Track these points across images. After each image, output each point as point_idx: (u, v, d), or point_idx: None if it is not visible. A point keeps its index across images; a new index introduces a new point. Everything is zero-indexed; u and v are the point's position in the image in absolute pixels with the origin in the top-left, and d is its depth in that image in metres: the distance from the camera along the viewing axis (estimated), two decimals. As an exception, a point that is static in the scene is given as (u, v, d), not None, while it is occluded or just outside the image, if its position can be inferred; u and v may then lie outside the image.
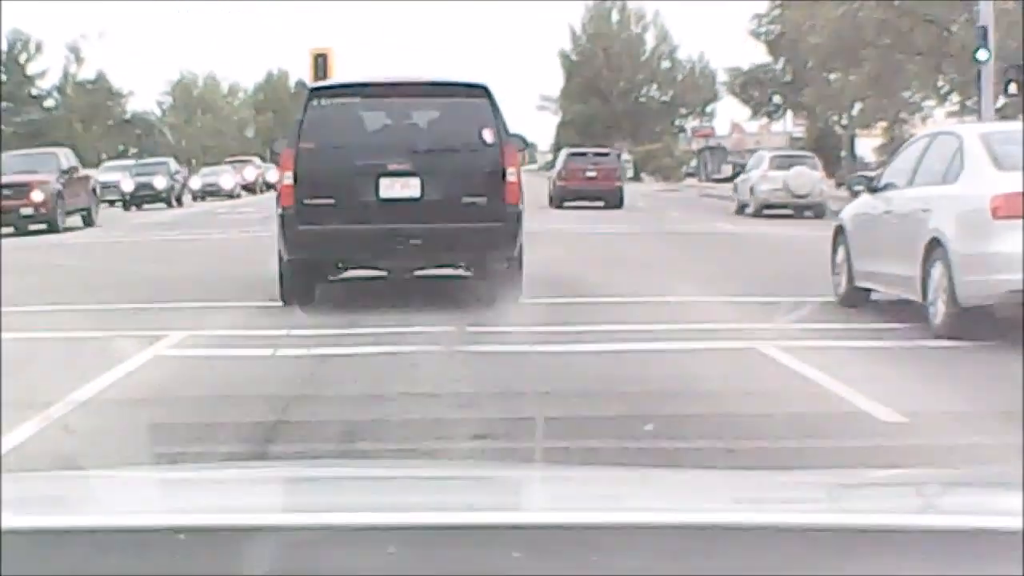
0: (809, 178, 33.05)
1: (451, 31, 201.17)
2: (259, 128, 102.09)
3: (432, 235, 12.20)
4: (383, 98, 12.98)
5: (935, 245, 10.20)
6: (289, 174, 12.34)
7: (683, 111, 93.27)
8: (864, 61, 39.59)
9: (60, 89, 73.18)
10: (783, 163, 33.93)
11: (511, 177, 12.30)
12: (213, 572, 1.61)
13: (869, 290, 11.91)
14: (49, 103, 71.31)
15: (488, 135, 12.32)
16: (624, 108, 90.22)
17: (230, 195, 54.78)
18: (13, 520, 1.69)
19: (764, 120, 71.72)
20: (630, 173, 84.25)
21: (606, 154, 41.27)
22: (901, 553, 1.63)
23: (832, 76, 49.38)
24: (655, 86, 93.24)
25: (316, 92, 13.19)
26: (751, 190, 33.90)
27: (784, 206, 32.54)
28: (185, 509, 2.08)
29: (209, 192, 54.81)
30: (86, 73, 75.34)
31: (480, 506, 2.04)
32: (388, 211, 12.19)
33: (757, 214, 32.84)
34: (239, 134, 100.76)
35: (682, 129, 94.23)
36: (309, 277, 12.60)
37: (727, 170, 63.03)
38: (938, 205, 10.44)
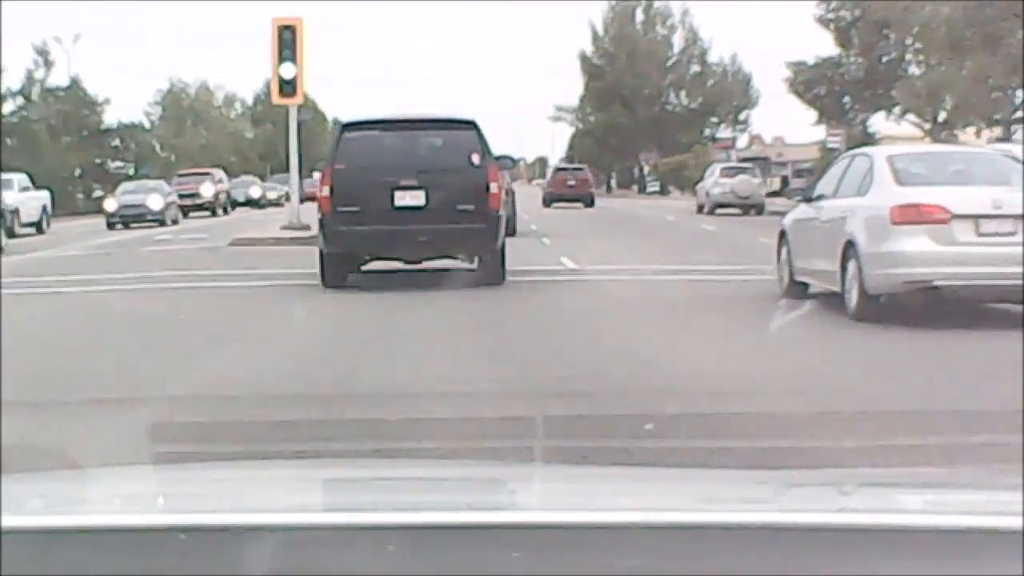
0: (750, 184, 43.77)
1: (466, 30, 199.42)
2: (256, 142, 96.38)
3: (434, 234, 15.75)
4: (397, 131, 16.69)
5: (850, 246, 12.23)
6: (327, 188, 16.10)
7: (714, 119, 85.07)
8: (1003, 39, 33.44)
9: (23, 94, 63.86)
10: (731, 172, 44.89)
11: (494, 190, 15.92)
12: (213, 572, 1.61)
13: (806, 284, 13.87)
14: (8, 107, 61.57)
15: (476, 158, 15.95)
16: (649, 116, 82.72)
17: (161, 220, 40.47)
18: (13, 520, 1.69)
19: (830, 124, 59.52)
20: (655, 187, 76.41)
21: (581, 169, 55.48)
22: (901, 553, 1.63)
23: (916, 70, 42.74)
24: (683, 92, 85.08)
25: (347, 126, 16.97)
26: (707, 194, 44.04)
27: (732, 205, 42.40)
28: (185, 509, 2.08)
29: (132, 216, 40.07)
30: (58, 79, 67.13)
31: (480, 506, 2.04)
32: (400, 216, 15.73)
33: (711, 212, 42.04)
34: (234, 147, 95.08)
35: (713, 138, 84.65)
36: (342, 266, 16.24)
37: (774, 183, 58.12)
38: (852, 213, 12.52)
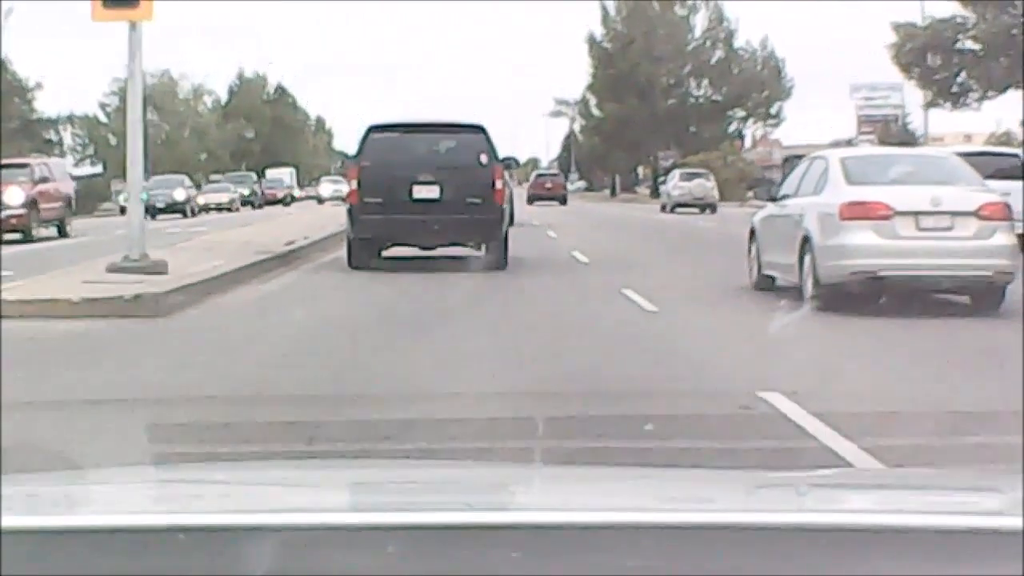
0: (705, 186, 51.12)
1: (456, 27, 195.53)
2: (227, 137, 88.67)
3: (447, 224, 18.10)
4: (416, 133, 19.16)
5: (806, 240, 13.46)
6: (355, 182, 18.52)
7: (741, 113, 75.23)
8: None
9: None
10: (688, 177, 52.71)
11: (498, 186, 18.48)
12: (213, 572, 1.61)
13: (773, 277, 14.99)
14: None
15: (483, 158, 18.41)
16: (667, 108, 73.39)
17: None
18: (13, 520, 1.69)
19: (940, 106, 44.97)
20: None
21: (556, 175, 71.59)
22: (901, 553, 1.63)
23: None
24: (705, 81, 74.98)
25: (372, 129, 19.01)
26: (668, 195, 51.74)
27: (690, 205, 49.39)
28: (185, 509, 2.08)
29: None
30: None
31: (480, 506, 2.04)
32: (418, 207, 18.09)
33: (672, 210, 49.06)
34: (201, 143, 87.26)
35: (740, 134, 75.34)
36: (368, 250, 18.63)
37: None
38: (809, 210, 13.75)
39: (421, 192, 18.20)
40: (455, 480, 2.54)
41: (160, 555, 1.63)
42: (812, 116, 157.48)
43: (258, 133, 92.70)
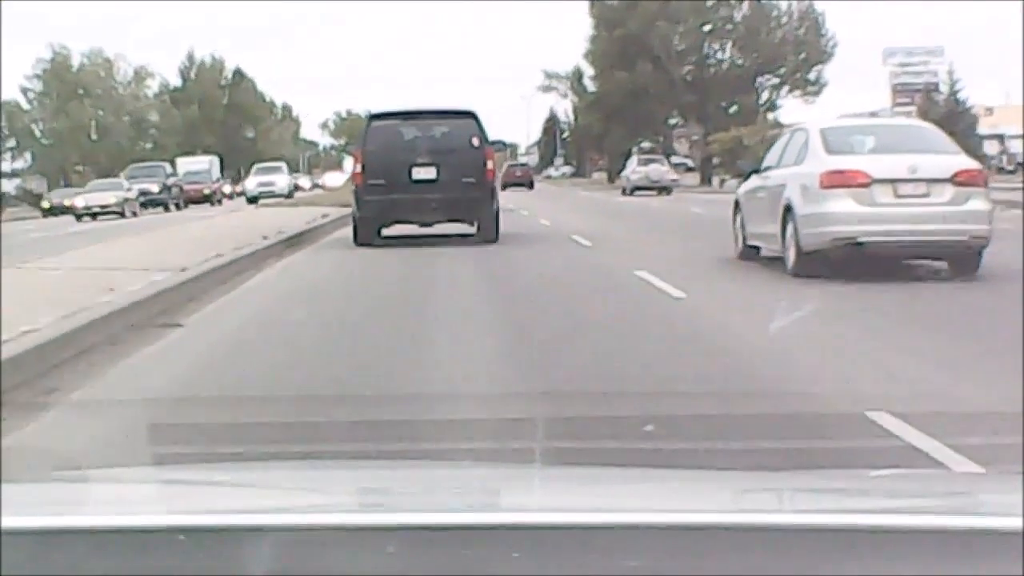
0: (660, 171, 55.33)
1: (431, 16, 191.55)
2: (174, 125, 78.75)
3: (444, 201, 20.23)
4: (413, 120, 21.21)
5: (788, 209, 14.04)
6: (359, 165, 20.77)
7: (774, 80, 62.35)
8: None
9: None
10: (645, 161, 57.64)
11: (490, 166, 20.61)
12: (213, 572, 1.61)
13: (758, 247, 15.62)
14: None
15: (475, 141, 20.49)
16: (685, 76, 62.49)
17: None
18: (13, 520, 1.69)
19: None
20: (694, 180, 58.50)
21: (525, 165, 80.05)
22: (901, 553, 1.63)
23: None
24: (729, 44, 63.06)
25: (374, 117, 21.46)
26: (627, 179, 56.08)
27: (647, 188, 53.56)
28: (185, 509, 2.07)
29: None
30: None
31: (480, 506, 2.04)
32: (417, 187, 20.20)
33: (631, 193, 53.09)
34: (140, 132, 77.74)
35: (773, 105, 62.47)
36: (372, 227, 20.68)
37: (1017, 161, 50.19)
38: (790, 180, 14.31)
39: (420, 173, 20.23)
40: (455, 481, 2.54)
41: (160, 555, 1.63)
42: (839, 84, 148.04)
43: (212, 120, 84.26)
